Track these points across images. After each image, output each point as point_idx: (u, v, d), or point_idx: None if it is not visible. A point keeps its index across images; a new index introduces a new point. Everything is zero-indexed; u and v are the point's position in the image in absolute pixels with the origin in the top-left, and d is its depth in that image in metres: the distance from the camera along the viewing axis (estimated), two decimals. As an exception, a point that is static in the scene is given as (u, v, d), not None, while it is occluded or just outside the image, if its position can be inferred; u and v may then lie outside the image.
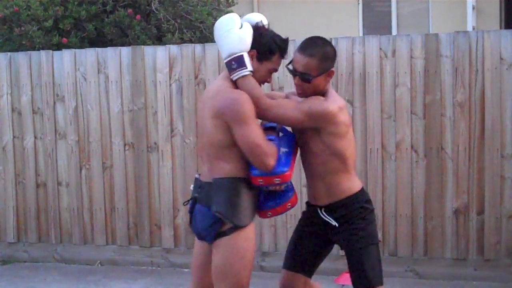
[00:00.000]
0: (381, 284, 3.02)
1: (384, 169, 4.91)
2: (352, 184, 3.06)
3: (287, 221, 5.06)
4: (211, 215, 2.85)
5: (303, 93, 2.98)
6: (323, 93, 2.97)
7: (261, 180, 2.85)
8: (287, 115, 2.88)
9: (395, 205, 4.91)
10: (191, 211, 3.02)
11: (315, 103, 2.90)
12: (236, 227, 2.84)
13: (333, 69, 2.99)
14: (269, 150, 2.79)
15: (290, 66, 2.99)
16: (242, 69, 2.83)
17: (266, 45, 2.90)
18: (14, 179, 5.68)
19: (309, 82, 2.91)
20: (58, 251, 5.64)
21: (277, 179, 2.84)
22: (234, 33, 2.85)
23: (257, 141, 2.77)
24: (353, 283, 3.09)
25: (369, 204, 3.12)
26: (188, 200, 3.05)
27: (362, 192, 3.11)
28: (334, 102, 2.91)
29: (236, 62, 2.83)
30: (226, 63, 2.87)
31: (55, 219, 5.60)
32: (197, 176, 3.07)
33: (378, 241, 3.14)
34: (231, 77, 2.87)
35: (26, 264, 5.66)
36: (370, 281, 3.00)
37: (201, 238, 3.02)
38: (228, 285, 2.85)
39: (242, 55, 2.82)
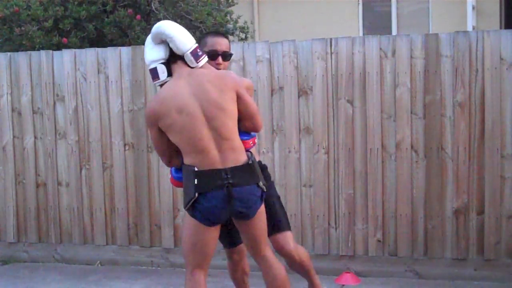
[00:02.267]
0: None
1: (384, 169, 4.91)
2: None
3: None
4: (257, 189, 3.20)
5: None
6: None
7: (252, 142, 3.35)
8: None
9: (395, 205, 4.91)
10: (227, 198, 3.13)
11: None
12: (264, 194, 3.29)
13: None
14: None
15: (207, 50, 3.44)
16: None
17: None
18: (14, 179, 5.68)
19: (229, 59, 3.57)
20: (58, 251, 5.64)
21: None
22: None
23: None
24: None
25: None
26: (210, 190, 3.14)
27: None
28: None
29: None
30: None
31: (55, 219, 5.61)
32: (211, 168, 3.14)
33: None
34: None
35: (26, 264, 5.66)
36: None
37: (240, 217, 3.23)
38: (266, 241, 3.37)
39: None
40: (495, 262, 4.77)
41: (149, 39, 3.28)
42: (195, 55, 3.24)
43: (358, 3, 9.55)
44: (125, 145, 5.41)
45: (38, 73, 5.57)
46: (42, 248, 5.68)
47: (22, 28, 6.51)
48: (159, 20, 6.84)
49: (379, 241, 4.95)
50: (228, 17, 7.48)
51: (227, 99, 3.16)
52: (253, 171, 3.20)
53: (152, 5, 6.91)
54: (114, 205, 5.47)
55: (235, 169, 3.13)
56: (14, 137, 5.65)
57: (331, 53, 4.97)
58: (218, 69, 3.39)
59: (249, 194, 3.17)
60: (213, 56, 3.44)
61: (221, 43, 3.50)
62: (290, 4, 9.57)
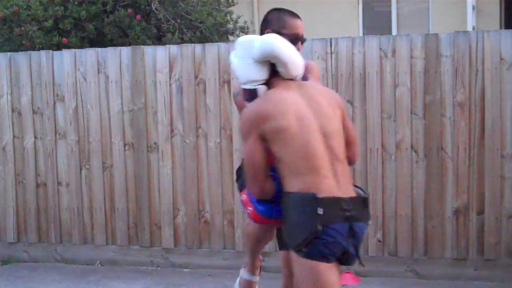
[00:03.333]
0: None
1: (384, 169, 4.91)
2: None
3: (287, 221, 5.05)
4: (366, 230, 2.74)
5: None
6: None
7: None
8: None
9: (395, 205, 4.91)
10: (349, 233, 2.57)
11: None
12: None
13: None
14: None
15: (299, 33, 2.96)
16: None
17: None
18: (14, 179, 5.68)
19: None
20: (58, 251, 5.64)
21: None
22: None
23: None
24: None
25: None
26: (334, 222, 2.55)
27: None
28: None
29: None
30: None
31: (55, 219, 5.60)
32: (332, 196, 2.55)
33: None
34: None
35: (26, 264, 5.66)
36: None
37: (344, 260, 2.62)
38: None
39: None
40: (495, 262, 4.77)
41: (246, 52, 2.72)
42: (304, 77, 2.82)
43: (358, 3, 9.55)
44: (125, 145, 5.41)
45: (38, 73, 5.57)
46: (42, 248, 5.68)
47: (22, 28, 6.51)
48: (159, 20, 6.89)
49: (379, 241, 4.95)
50: (228, 17, 7.48)
51: (339, 118, 2.70)
52: (368, 206, 2.67)
53: (152, 5, 6.91)
54: (114, 205, 5.46)
55: (354, 200, 2.58)
56: (14, 137, 5.65)
57: (331, 53, 4.97)
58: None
59: (363, 233, 2.63)
60: (295, 40, 2.90)
61: (302, 26, 2.98)
62: (290, 4, 9.53)
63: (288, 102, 2.60)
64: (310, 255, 2.51)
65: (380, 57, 4.89)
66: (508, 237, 4.75)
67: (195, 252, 5.31)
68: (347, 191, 2.58)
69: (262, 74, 2.69)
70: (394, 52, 4.86)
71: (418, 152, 4.85)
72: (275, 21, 2.94)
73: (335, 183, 2.55)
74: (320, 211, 2.48)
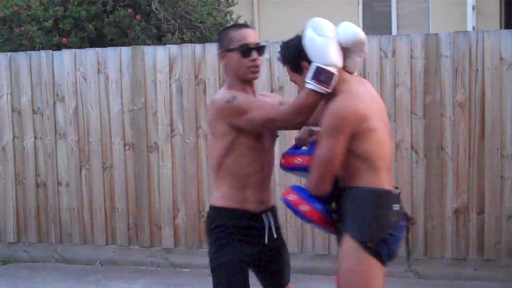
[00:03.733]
0: None
1: (384, 169, 4.90)
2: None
3: (287, 221, 5.05)
4: None
5: None
6: None
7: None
8: None
9: (395, 205, 4.90)
10: (407, 229, 2.67)
11: None
12: None
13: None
14: None
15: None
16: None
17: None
18: (14, 179, 5.68)
19: (264, 53, 2.87)
20: (58, 251, 5.64)
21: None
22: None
23: None
24: None
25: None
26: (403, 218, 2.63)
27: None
28: None
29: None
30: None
31: (55, 219, 5.60)
32: (395, 190, 2.63)
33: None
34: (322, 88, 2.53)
35: (26, 264, 5.66)
36: None
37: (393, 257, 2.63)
38: None
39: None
40: (495, 262, 4.77)
41: (334, 34, 2.54)
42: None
43: (358, 3, 9.55)
44: (125, 145, 5.41)
45: (38, 73, 5.57)
46: (42, 248, 5.68)
47: (22, 28, 6.51)
48: (159, 20, 6.89)
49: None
50: (228, 17, 7.48)
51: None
52: None
53: (152, 5, 6.91)
54: (114, 205, 5.46)
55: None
56: (14, 137, 5.65)
57: (331, 53, 4.96)
58: (255, 66, 2.73)
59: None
60: (247, 51, 2.70)
61: (251, 34, 2.75)
62: (290, 4, 9.57)
63: (371, 100, 2.58)
64: (376, 253, 2.50)
65: (380, 57, 4.89)
66: (508, 237, 4.74)
67: (195, 252, 5.30)
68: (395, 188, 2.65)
69: (341, 60, 2.56)
70: (394, 52, 4.86)
71: (418, 152, 4.85)
72: (222, 41, 2.79)
73: (392, 180, 2.64)
74: (396, 207, 2.54)
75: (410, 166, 4.87)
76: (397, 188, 2.70)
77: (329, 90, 2.51)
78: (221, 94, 2.75)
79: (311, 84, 2.51)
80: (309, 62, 2.56)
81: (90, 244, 5.56)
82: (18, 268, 5.55)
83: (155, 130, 5.34)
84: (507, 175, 4.72)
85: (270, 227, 2.79)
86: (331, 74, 2.49)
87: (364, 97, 2.56)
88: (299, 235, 5.06)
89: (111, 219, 5.49)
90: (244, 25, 2.89)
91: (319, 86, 2.50)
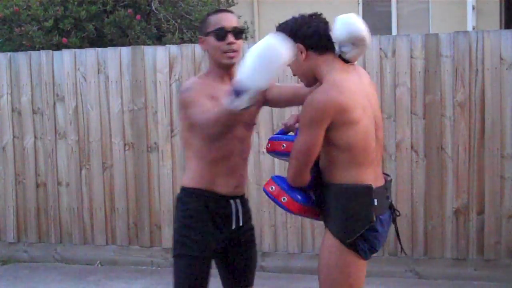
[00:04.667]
0: None
1: (384, 169, 4.90)
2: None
3: (287, 221, 5.06)
4: None
5: None
6: None
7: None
8: None
9: (395, 205, 4.89)
10: (391, 221, 2.72)
11: None
12: None
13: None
14: None
15: None
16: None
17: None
18: (14, 179, 5.68)
19: (243, 37, 2.87)
20: (58, 251, 5.64)
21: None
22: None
23: None
24: None
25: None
26: (384, 211, 2.66)
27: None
28: None
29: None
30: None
31: (55, 219, 5.60)
32: (380, 185, 2.62)
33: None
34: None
35: (26, 264, 5.66)
36: None
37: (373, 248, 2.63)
38: None
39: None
40: (495, 262, 4.77)
41: (283, 60, 2.39)
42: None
43: (358, 3, 9.55)
44: (125, 145, 5.41)
45: (38, 73, 5.57)
46: (42, 248, 5.68)
47: (22, 28, 6.51)
48: (159, 20, 6.89)
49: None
50: (228, 17, 7.48)
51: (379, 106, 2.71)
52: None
53: (152, 5, 6.91)
54: (114, 205, 5.47)
55: (387, 188, 2.67)
56: (14, 137, 5.65)
57: (331, 53, 4.96)
58: (231, 51, 2.68)
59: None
60: (221, 35, 2.67)
61: (228, 18, 2.73)
62: (290, 4, 9.56)
63: (356, 91, 2.50)
64: (358, 248, 2.52)
65: (380, 57, 4.89)
66: (508, 237, 4.75)
67: (195, 252, 5.30)
68: (383, 180, 2.63)
69: (266, 84, 2.44)
70: (394, 52, 4.86)
71: (418, 152, 4.85)
72: (202, 27, 2.77)
73: (379, 172, 2.62)
74: (376, 202, 2.52)
75: (410, 166, 4.87)
76: (388, 175, 2.70)
77: (241, 107, 2.36)
78: (188, 80, 2.80)
79: (228, 100, 2.38)
80: (304, 44, 2.58)
81: (90, 244, 5.56)
82: (18, 268, 5.55)
83: (155, 130, 5.34)
84: (507, 175, 4.72)
85: (238, 215, 2.79)
86: (248, 92, 2.33)
87: (347, 87, 2.48)
88: (299, 235, 5.06)
89: (111, 219, 5.49)
90: (224, 10, 2.86)
91: (235, 103, 2.35)
